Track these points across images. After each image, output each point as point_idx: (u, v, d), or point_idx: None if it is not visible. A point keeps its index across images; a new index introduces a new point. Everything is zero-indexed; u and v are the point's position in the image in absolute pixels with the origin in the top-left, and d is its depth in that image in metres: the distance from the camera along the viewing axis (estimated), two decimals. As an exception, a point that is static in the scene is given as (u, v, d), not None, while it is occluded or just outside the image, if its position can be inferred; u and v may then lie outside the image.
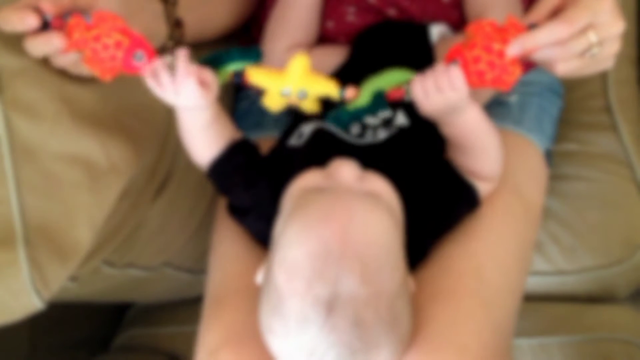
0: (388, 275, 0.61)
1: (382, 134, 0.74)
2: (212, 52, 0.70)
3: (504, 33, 0.64)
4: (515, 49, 0.64)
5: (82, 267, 0.75)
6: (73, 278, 0.80)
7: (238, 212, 0.77)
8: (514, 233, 0.79)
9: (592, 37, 0.63)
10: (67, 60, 0.68)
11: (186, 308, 1.13)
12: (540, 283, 1.07)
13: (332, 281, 0.58)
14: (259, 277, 0.68)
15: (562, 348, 1.04)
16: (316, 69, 0.68)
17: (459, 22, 0.86)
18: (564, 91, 1.02)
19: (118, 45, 0.66)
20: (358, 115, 0.71)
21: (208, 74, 0.66)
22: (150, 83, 0.66)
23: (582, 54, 0.64)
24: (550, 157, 0.96)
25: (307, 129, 0.76)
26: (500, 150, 0.73)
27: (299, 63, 0.67)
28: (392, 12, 0.86)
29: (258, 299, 0.65)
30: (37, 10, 0.64)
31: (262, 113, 0.92)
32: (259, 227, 0.72)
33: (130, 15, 0.71)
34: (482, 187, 0.74)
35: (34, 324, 0.81)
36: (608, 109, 1.10)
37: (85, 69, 0.68)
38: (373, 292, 0.59)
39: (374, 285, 0.59)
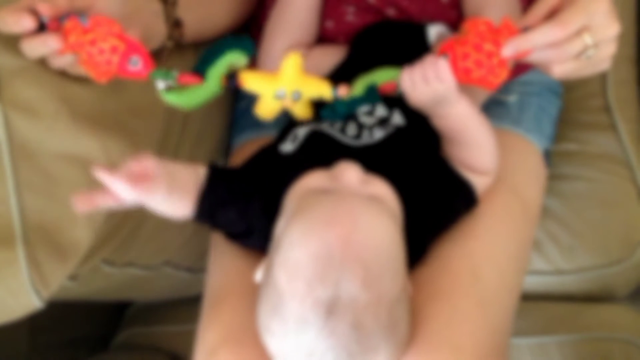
0: (389, 280, 0.60)
1: (379, 134, 0.74)
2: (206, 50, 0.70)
3: (496, 34, 0.65)
4: (509, 50, 0.64)
5: (81, 266, 0.75)
6: (72, 277, 0.80)
7: (239, 238, 0.75)
8: (511, 233, 0.79)
9: (587, 39, 0.63)
10: (64, 61, 0.68)
11: (186, 307, 1.12)
12: (539, 282, 1.07)
13: (333, 284, 0.58)
14: (258, 276, 0.68)
15: (561, 347, 1.04)
16: (316, 69, 0.68)
17: (457, 22, 0.86)
18: (563, 91, 1.02)
19: (114, 50, 0.66)
20: (353, 105, 0.71)
21: (145, 163, 0.66)
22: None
23: (578, 56, 0.64)
24: (549, 157, 0.96)
25: (302, 131, 0.76)
26: (494, 143, 0.73)
27: (292, 62, 0.67)
28: (391, 12, 0.86)
29: (257, 298, 0.65)
30: (34, 12, 0.64)
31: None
32: (263, 243, 0.70)
33: (130, 15, 0.71)
34: (479, 182, 0.74)
35: (34, 323, 0.82)
36: (607, 109, 1.10)
37: (83, 70, 0.69)
38: (374, 297, 0.59)
39: (375, 290, 0.59)
